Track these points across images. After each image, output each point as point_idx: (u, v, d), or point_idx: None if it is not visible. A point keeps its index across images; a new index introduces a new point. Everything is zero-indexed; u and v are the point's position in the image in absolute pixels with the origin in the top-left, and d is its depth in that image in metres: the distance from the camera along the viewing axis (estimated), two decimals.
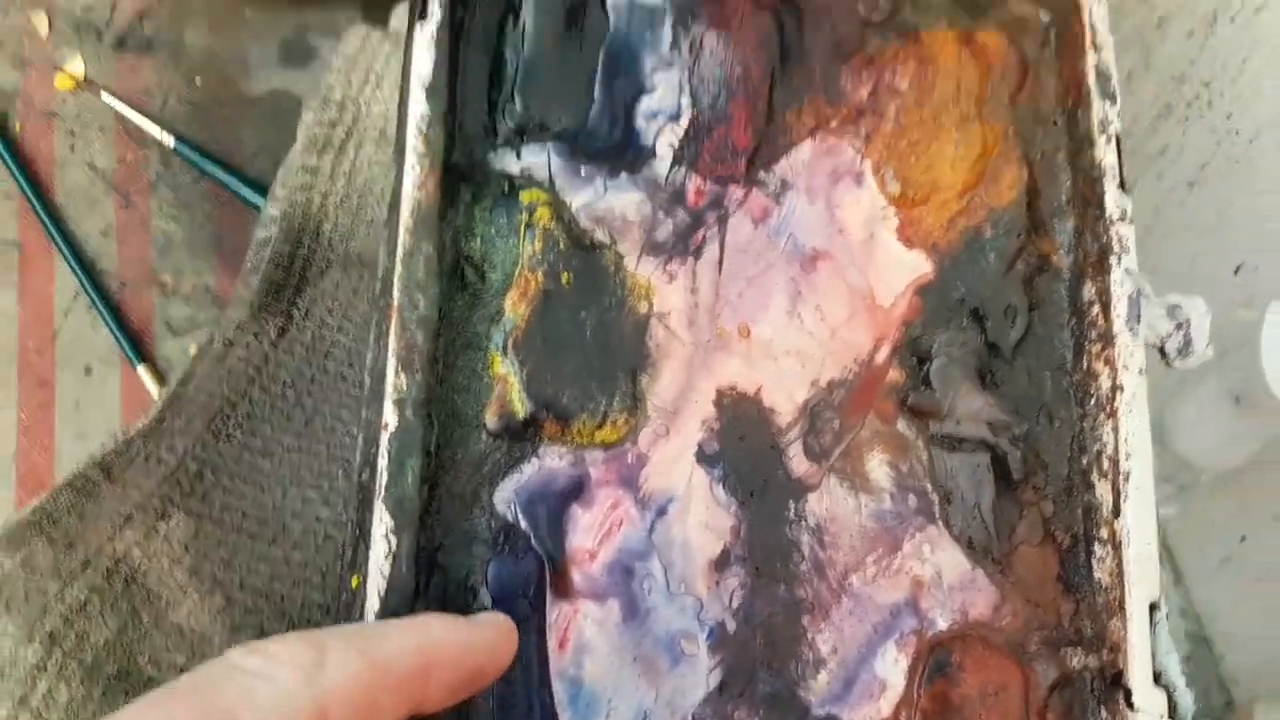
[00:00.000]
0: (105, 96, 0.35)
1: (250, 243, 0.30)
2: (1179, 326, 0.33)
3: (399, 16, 0.33)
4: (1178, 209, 0.68)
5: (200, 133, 0.35)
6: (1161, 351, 0.33)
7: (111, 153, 0.35)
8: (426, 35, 0.26)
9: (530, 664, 0.25)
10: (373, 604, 0.23)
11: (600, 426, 0.27)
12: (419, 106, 0.26)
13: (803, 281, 0.29)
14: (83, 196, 0.35)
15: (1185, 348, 0.33)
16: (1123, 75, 0.72)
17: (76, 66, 0.36)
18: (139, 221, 0.34)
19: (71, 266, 0.34)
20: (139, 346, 0.33)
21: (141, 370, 0.33)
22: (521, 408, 0.27)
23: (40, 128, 0.35)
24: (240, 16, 0.36)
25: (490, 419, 0.27)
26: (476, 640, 0.18)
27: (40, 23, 0.36)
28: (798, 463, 0.28)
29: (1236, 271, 0.64)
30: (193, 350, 0.30)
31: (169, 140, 0.35)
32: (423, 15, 0.26)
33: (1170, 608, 0.73)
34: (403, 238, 0.26)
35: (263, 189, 0.33)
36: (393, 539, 0.24)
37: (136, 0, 0.35)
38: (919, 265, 0.29)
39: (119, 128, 0.36)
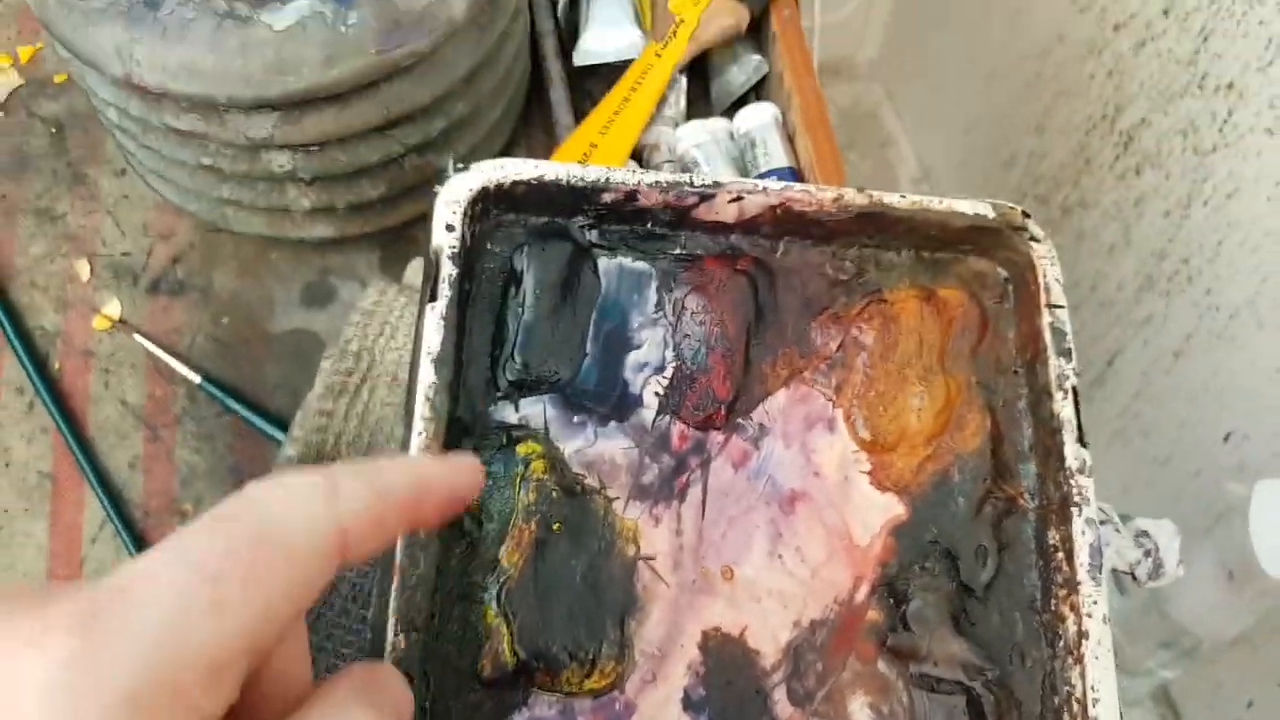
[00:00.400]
0: (137, 337, 0.39)
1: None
2: (1147, 554, 0.35)
3: (414, 269, 0.37)
4: (1165, 376, 0.71)
5: (225, 368, 0.39)
6: (1132, 576, 0.35)
7: (142, 389, 0.38)
8: (436, 315, 0.29)
9: None
10: None
11: (589, 675, 0.29)
12: (428, 376, 0.29)
13: (782, 523, 0.31)
14: (114, 430, 0.38)
15: (1156, 571, 0.35)
16: (1105, 248, 0.76)
17: (113, 308, 0.40)
18: (164, 453, 0.37)
19: (100, 498, 0.37)
20: None
21: None
22: (513, 659, 0.28)
23: (78, 366, 0.39)
24: (267, 260, 0.40)
25: (484, 669, 0.29)
26: (454, 471, 0.21)
27: (82, 268, 0.40)
28: (782, 708, 0.29)
29: (1226, 439, 0.66)
30: None
31: (195, 378, 0.39)
32: (433, 297, 0.29)
33: None
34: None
35: (281, 422, 0.36)
36: None
37: (171, 246, 0.40)
38: (892, 507, 0.32)
39: (150, 365, 0.39)
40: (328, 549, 0.17)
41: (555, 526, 0.30)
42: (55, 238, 0.40)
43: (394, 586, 0.28)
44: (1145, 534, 0.36)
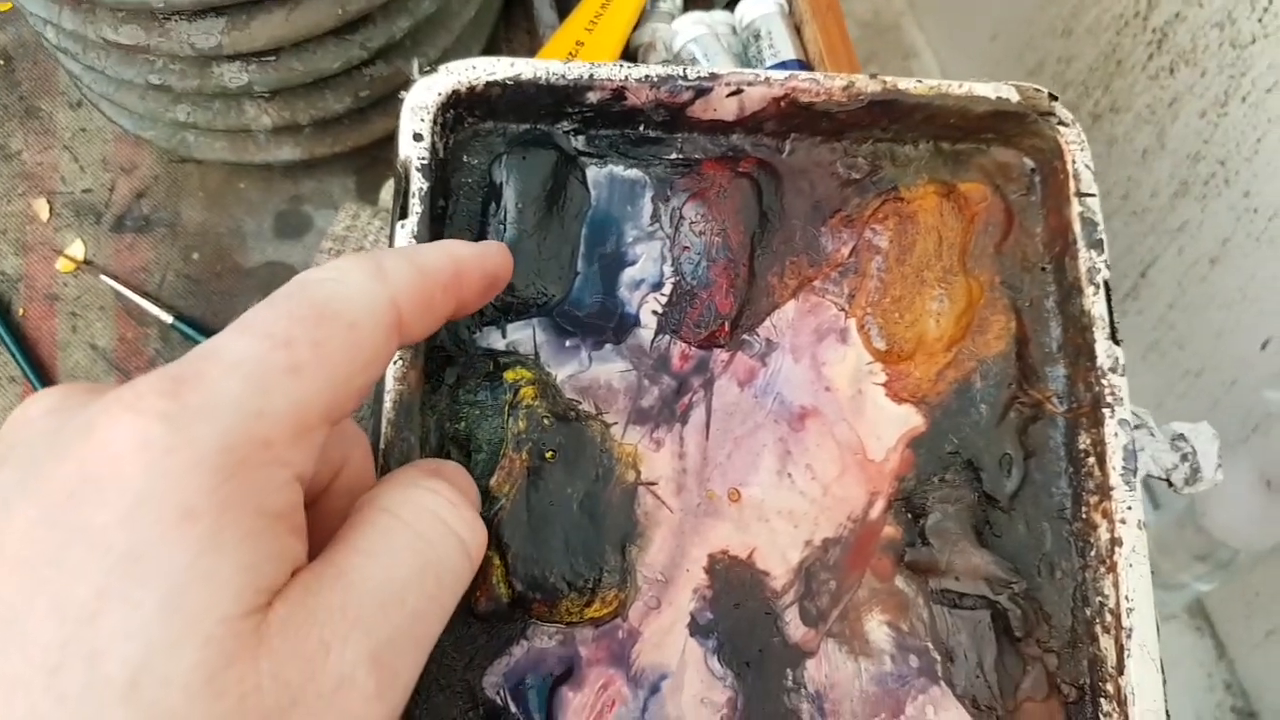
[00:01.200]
0: (104, 278, 0.38)
1: None
2: (1184, 458, 0.34)
3: (389, 191, 0.35)
4: (1200, 284, 0.69)
5: (197, 306, 0.38)
6: (1168, 483, 0.34)
7: (112, 332, 0.38)
8: (407, 234, 0.28)
9: None
10: None
11: (589, 604, 0.28)
12: None
13: (791, 440, 0.30)
14: (84, 376, 0.37)
15: (1193, 476, 0.34)
16: (1138, 153, 0.74)
17: (76, 249, 0.39)
18: None
19: None
20: None
21: None
22: (507, 591, 0.28)
23: (43, 311, 0.38)
24: (235, 190, 0.39)
25: (478, 602, 0.28)
26: (484, 251, 0.22)
27: (41, 208, 0.39)
28: (794, 628, 0.29)
29: (1264, 346, 0.65)
30: None
31: (167, 318, 0.38)
32: (404, 215, 0.28)
33: (1213, 681, 0.72)
34: (385, 430, 0.27)
35: None
36: None
37: (134, 180, 0.38)
38: (909, 419, 0.31)
39: (119, 306, 0.38)
40: (386, 321, 0.19)
41: (548, 455, 0.29)
42: (10, 177, 0.39)
43: None
44: (1182, 438, 0.35)
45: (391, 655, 0.18)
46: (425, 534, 0.20)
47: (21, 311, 0.38)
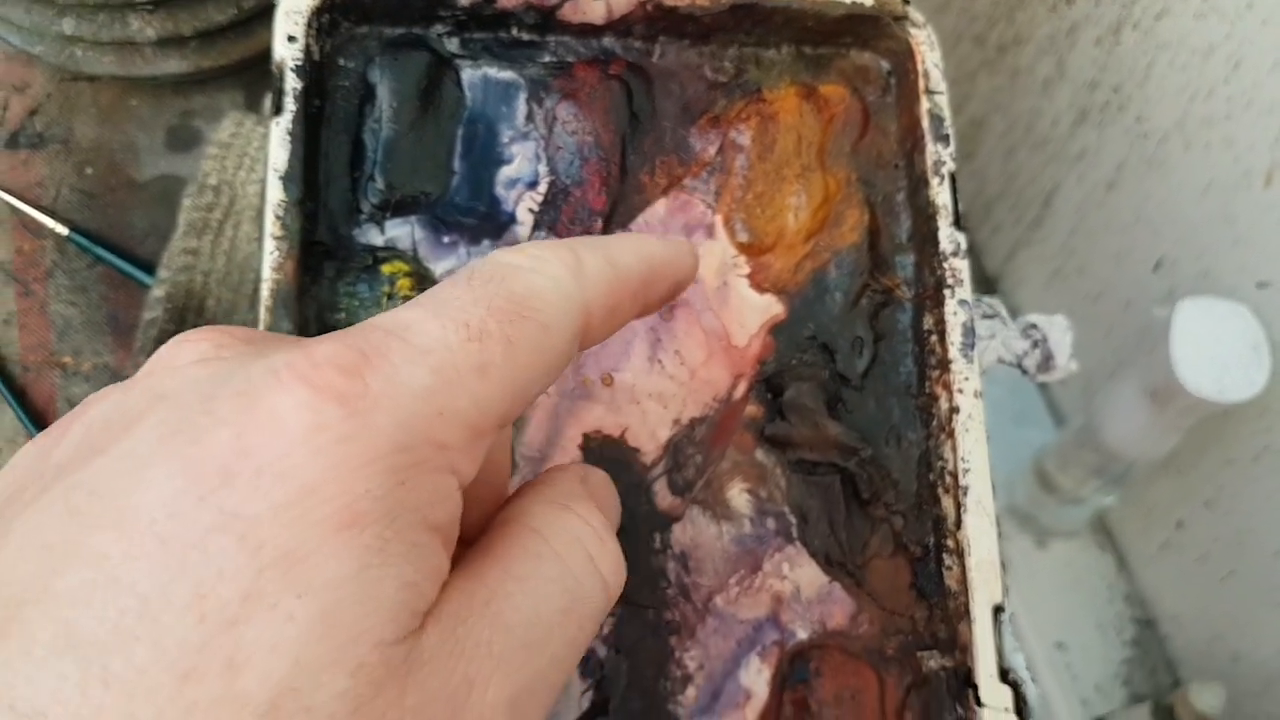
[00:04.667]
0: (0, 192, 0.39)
1: (139, 324, 0.34)
2: (1035, 345, 0.37)
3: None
4: (1099, 210, 0.73)
5: (93, 219, 0.39)
6: (1021, 369, 0.37)
7: (9, 245, 0.39)
8: (281, 129, 0.30)
9: None
10: None
11: None
12: (275, 194, 0.30)
13: (662, 330, 0.33)
14: None
15: (1046, 363, 0.37)
16: (1040, 83, 0.77)
17: None
18: (38, 308, 0.38)
19: None
20: (43, 426, 0.37)
21: None
22: None
23: None
24: (127, 107, 0.40)
25: None
26: (679, 258, 0.21)
27: None
28: (662, 497, 0.31)
29: (1156, 268, 0.69)
30: None
31: (63, 230, 0.39)
32: (277, 110, 0.30)
33: (1114, 593, 0.77)
34: (263, 317, 0.29)
35: (153, 269, 0.37)
36: None
37: (26, 99, 0.39)
38: (770, 307, 0.33)
39: (15, 220, 0.39)
40: (576, 326, 0.17)
41: None
42: None
43: None
44: (1034, 327, 0.38)
45: (528, 702, 0.16)
46: (574, 570, 0.18)
47: None
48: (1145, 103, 0.66)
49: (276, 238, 0.29)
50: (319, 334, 0.31)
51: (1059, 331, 0.38)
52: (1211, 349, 0.58)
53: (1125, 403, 0.64)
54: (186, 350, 0.16)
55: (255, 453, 0.14)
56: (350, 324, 0.32)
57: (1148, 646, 0.75)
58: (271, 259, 0.29)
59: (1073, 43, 0.69)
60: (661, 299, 0.20)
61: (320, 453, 0.14)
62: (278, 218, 0.30)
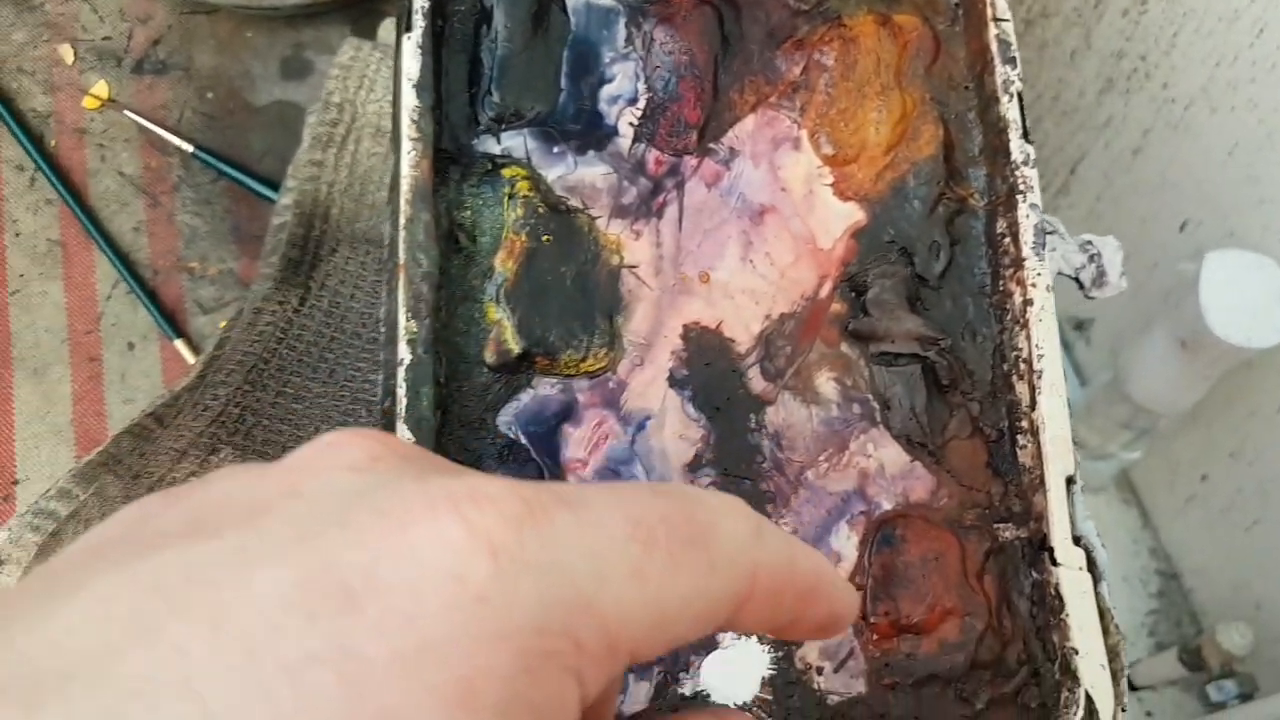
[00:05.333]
0: (127, 113, 0.42)
1: (267, 229, 0.36)
2: (1091, 259, 0.40)
3: (386, 29, 0.40)
4: (1125, 175, 0.75)
5: (213, 140, 0.42)
6: (1078, 282, 0.40)
7: (137, 161, 0.41)
8: (413, 43, 0.32)
9: None
10: None
11: (584, 360, 0.33)
12: (410, 100, 0.33)
13: (753, 233, 0.35)
14: (114, 199, 0.41)
15: (1099, 278, 0.40)
16: (1067, 55, 0.80)
17: (101, 89, 0.42)
18: (166, 218, 0.41)
19: (110, 258, 0.40)
20: (174, 324, 0.39)
21: (179, 344, 0.39)
22: (516, 346, 0.33)
23: (73, 142, 0.42)
24: (243, 38, 0.43)
25: (489, 356, 0.33)
26: (845, 591, 0.17)
27: (66, 53, 0.42)
28: (756, 382, 0.34)
29: (1182, 228, 0.71)
30: (222, 324, 0.36)
31: (188, 147, 0.42)
32: (408, 28, 0.33)
33: (1139, 547, 0.79)
34: (404, 209, 0.32)
35: (273, 185, 0.39)
36: None
37: (149, 29, 0.42)
38: (853, 214, 0.36)
39: (143, 139, 0.42)
40: (738, 589, 0.15)
41: (545, 238, 0.34)
42: (35, 26, 0.42)
43: (401, 280, 0.32)
44: (1090, 243, 0.40)
45: None
46: None
47: (53, 143, 0.42)
48: (1171, 70, 0.68)
49: (413, 139, 0.32)
50: (449, 231, 0.34)
51: (1111, 250, 0.41)
52: (1239, 298, 0.60)
53: (1155, 355, 0.67)
54: (337, 453, 0.14)
55: (385, 585, 0.11)
56: (476, 223, 0.34)
57: (1172, 598, 0.77)
58: (409, 158, 0.32)
59: (1100, 14, 0.72)
60: (814, 625, 0.17)
61: (455, 607, 0.12)
62: (413, 121, 0.32)
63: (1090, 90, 0.75)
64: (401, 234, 0.32)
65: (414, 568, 0.12)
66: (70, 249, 0.40)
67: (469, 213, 0.34)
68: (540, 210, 0.34)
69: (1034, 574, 0.32)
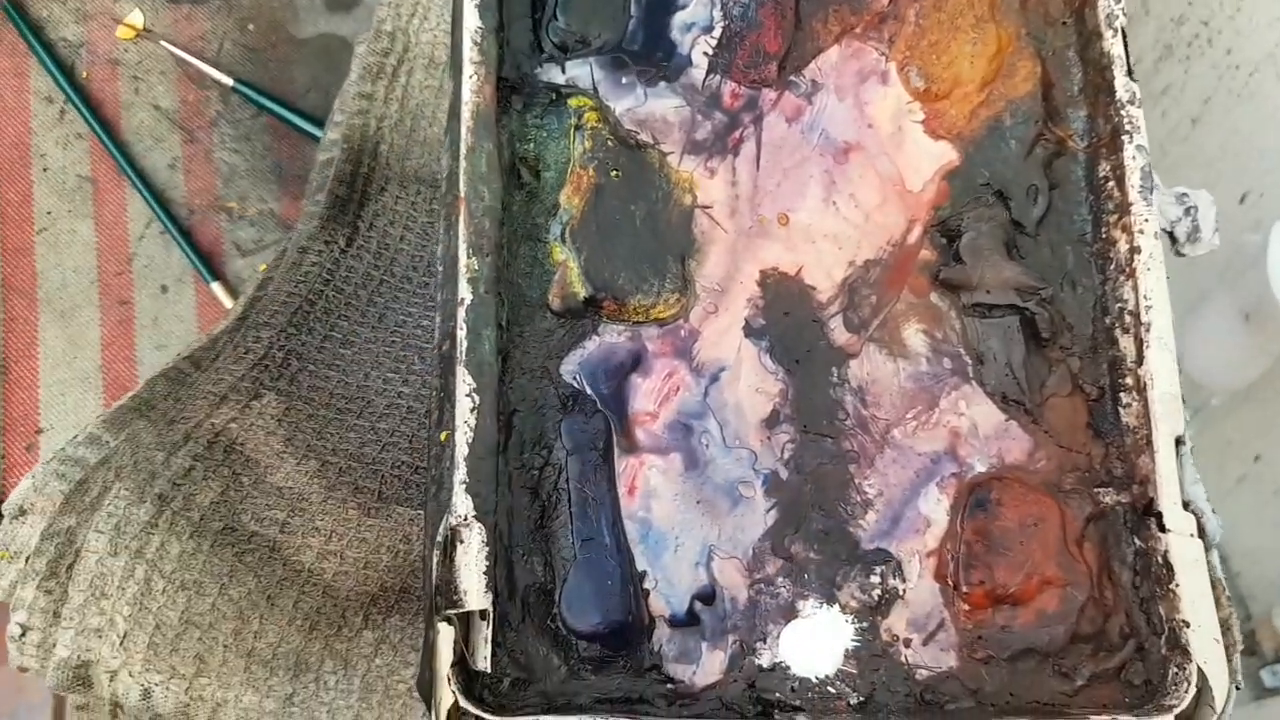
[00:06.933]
0: (164, 43, 0.38)
1: (313, 166, 0.33)
2: (1187, 212, 0.36)
3: None
4: (1183, 145, 0.71)
5: (254, 73, 0.39)
6: (1171, 237, 0.37)
7: (174, 94, 0.38)
8: None
9: (604, 505, 0.28)
10: (462, 450, 0.26)
11: (654, 305, 0.30)
12: (473, 21, 0.30)
13: (836, 172, 0.32)
14: (149, 134, 0.38)
15: (1194, 233, 0.36)
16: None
17: (135, 18, 0.39)
18: (203, 154, 0.38)
19: (144, 196, 0.37)
20: (210, 266, 0.37)
21: (215, 287, 0.37)
22: (582, 289, 0.30)
23: (105, 74, 0.39)
24: None
25: (554, 300, 0.30)
26: None
27: None
28: (838, 334, 0.31)
29: (1242, 200, 0.67)
30: (262, 268, 0.33)
31: (228, 80, 0.39)
32: None
33: None
34: (465, 137, 0.29)
35: (317, 121, 0.36)
36: (476, 397, 0.27)
37: None
38: (945, 153, 0.33)
39: (179, 72, 0.39)
40: None
41: (613, 173, 0.31)
42: None
43: (461, 215, 0.28)
44: (1185, 195, 0.37)
45: None
46: None
47: (85, 74, 0.39)
48: (1236, 35, 0.64)
49: (475, 62, 0.29)
50: (511, 164, 0.31)
51: (1206, 204, 0.37)
52: None
53: (1213, 329, 0.63)
54: None
55: None
56: (540, 155, 0.31)
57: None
58: (471, 83, 0.29)
59: None
60: None
61: None
62: (475, 43, 0.29)
63: (1147, 58, 0.71)
64: (463, 164, 0.29)
65: None
66: (101, 186, 0.37)
67: (532, 145, 0.31)
68: (609, 143, 0.31)
69: (1137, 542, 0.29)
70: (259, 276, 0.32)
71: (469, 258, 0.28)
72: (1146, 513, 0.29)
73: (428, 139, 0.34)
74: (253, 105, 0.38)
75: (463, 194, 0.29)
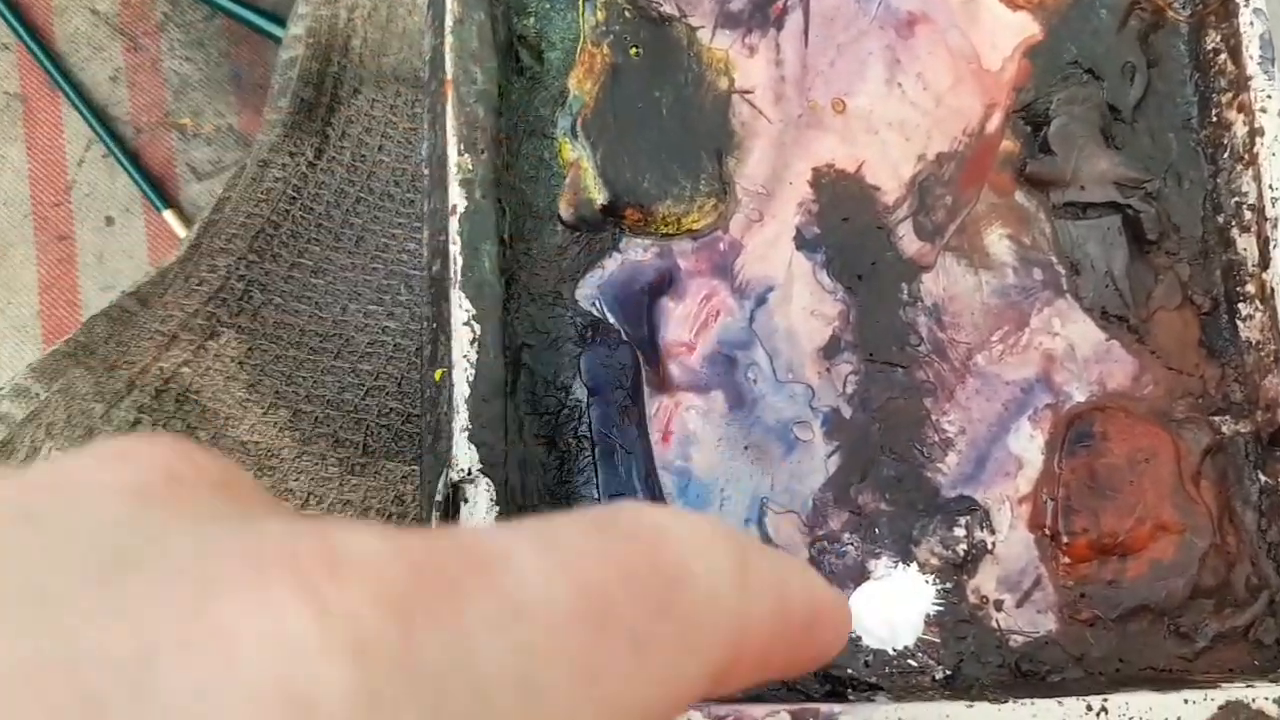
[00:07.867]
0: None
1: (274, 68, 0.28)
2: None
3: None
4: None
5: None
6: None
7: None
8: None
9: (635, 455, 0.23)
10: (462, 391, 0.21)
11: (687, 213, 0.25)
12: None
13: (900, 48, 0.27)
14: (86, 42, 0.33)
15: None
16: None
17: None
18: (149, 64, 0.32)
19: (83, 114, 0.32)
20: (162, 192, 0.32)
21: (168, 215, 0.31)
22: (598, 194, 0.25)
23: None
24: None
25: (564, 209, 0.25)
26: (843, 613, 0.14)
27: None
28: (908, 242, 0.26)
29: None
30: (220, 193, 0.28)
31: None
32: None
33: None
34: (450, 7, 0.24)
35: (279, 20, 0.31)
36: (476, 326, 0.22)
37: None
38: (1025, 26, 0.27)
39: None
40: (722, 660, 0.11)
41: (632, 51, 0.26)
42: None
43: (449, 102, 0.23)
44: None
45: None
46: None
47: None
48: None
49: None
50: (509, 40, 0.25)
51: None
52: None
53: None
54: (117, 467, 0.10)
55: (163, 703, 0.07)
56: (543, 32, 0.26)
57: None
58: None
59: None
60: (808, 662, 0.14)
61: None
62: None
63: None
64: (449, 39, 0.24)
65: (219, 674, 0.07)
66: (32, 103, 0.32)
67: (533, 19, 0.26)
68: (626, 15, 0.26)
69: (1263, 477, 0.26)
70: (215, 199, 0.27)
71: (460, 155, 0.23)
72: (1273, 443, 0.25)
73: (407, 30, 0.28)
74: (205, 5, 0.32)
75: (450, 76, 0.23)
